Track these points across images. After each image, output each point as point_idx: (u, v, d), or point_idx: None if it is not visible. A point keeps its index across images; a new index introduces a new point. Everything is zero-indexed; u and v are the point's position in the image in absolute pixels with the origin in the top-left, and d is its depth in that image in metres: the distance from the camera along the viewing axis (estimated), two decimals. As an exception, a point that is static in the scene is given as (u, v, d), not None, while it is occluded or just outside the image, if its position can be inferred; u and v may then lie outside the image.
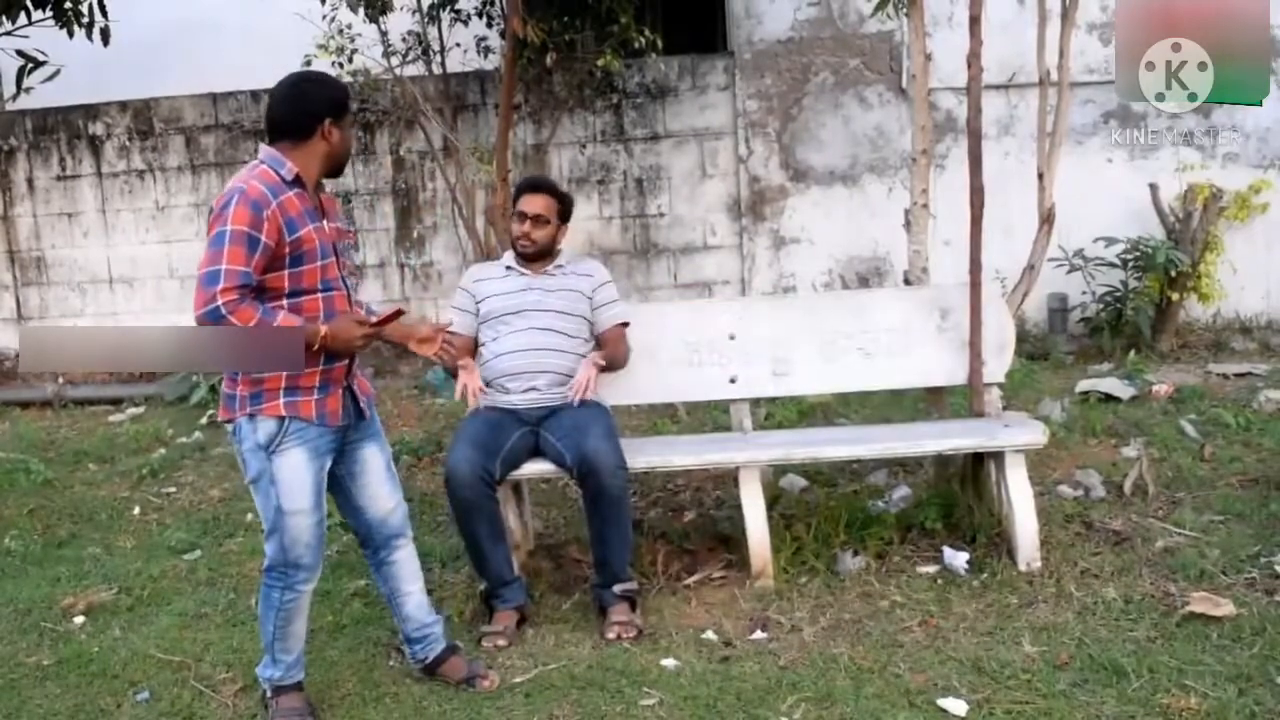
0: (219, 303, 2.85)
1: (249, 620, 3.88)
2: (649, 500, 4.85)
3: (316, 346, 2.94)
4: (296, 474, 2.97)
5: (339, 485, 3.20)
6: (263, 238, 2.84)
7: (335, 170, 3.10)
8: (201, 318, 2.88)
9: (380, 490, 3.23)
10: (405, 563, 3.31)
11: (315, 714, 3.17)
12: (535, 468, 3.81)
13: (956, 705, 3.00)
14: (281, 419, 2.95)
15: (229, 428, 3.06)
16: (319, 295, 3.01)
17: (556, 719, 3.10)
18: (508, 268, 4.01)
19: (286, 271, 2.95)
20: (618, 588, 3.65)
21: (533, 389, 3.81)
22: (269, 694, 3.18)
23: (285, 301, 2.97)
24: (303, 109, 2.98)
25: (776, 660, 3.34)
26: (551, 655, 3.47)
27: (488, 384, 3.84)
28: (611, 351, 3.99)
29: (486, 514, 3.65)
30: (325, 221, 3.04)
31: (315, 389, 2.99)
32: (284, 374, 2.96)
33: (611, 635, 3.53)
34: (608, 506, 3.63)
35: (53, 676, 3.55)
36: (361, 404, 3.15)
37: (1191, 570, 3.71)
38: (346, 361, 3.07)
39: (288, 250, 2.91)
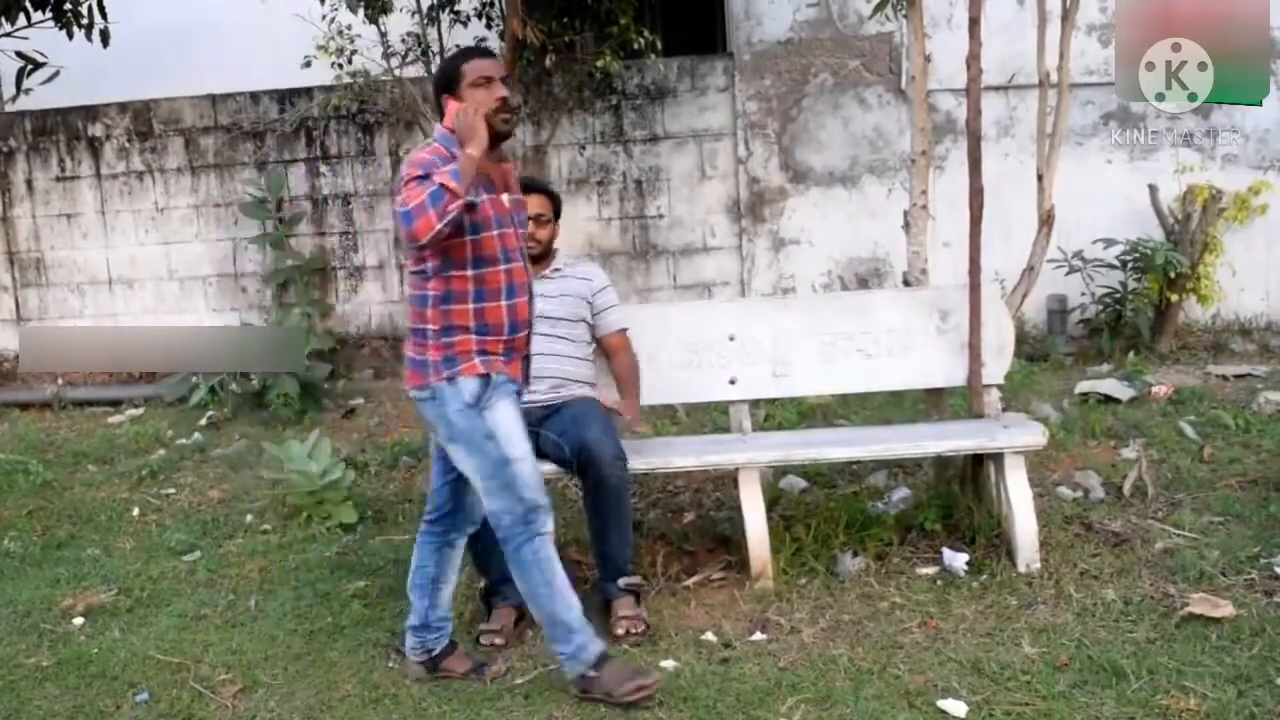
0: (408, 206, 2.92)
1: (248, 621, 3.88)
2: (649, 501, 4.85)
3: (474, 151, 2.97)
4: (511, 423, 3.09)
5: (449, 463, 3.23)
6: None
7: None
8: (412, 231, 2.92)
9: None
10: (461, 552, 3.37)
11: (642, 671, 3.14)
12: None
13: (956, 706, 3.00)
14: (484, 376, 3.05)
15: (421, 394, 3.12)
16: (500, 268, 3.09)
17: (556, 720, 3.11)
18: None
19: (468, 239, 3.03)
20: (622, 582, 3.65)
21: (534, 393, 3.79)
22: (589, 673, 3.11)
23: (470, 272, 3.06)
24: (434, 87, 3.22)
25: (776, 661, 3.34)
26: (551, 656, 3.46)
27: None
28: (620, 368, 4.01)
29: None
30: (506, 196, 3.14)
31: (501, 356, 3.10)
32: (472, 336, 3.07)
33: (620, 631, 3.52)
34: (607, 498, 3.63)
35: (52, 678, 3.55)
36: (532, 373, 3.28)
37: (1191, 571, 3.71)
38: (525, 332, 3.18)
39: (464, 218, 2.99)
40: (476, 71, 3.13)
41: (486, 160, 3.06)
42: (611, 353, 4.01)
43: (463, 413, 3.06)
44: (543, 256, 3.93)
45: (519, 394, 3.20)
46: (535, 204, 3.87)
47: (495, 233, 3.09)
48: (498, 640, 3.56)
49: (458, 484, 3.26)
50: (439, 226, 2.89)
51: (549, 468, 3.79)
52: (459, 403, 3.05)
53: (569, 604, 3.15)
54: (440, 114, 3.19)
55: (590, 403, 3.82)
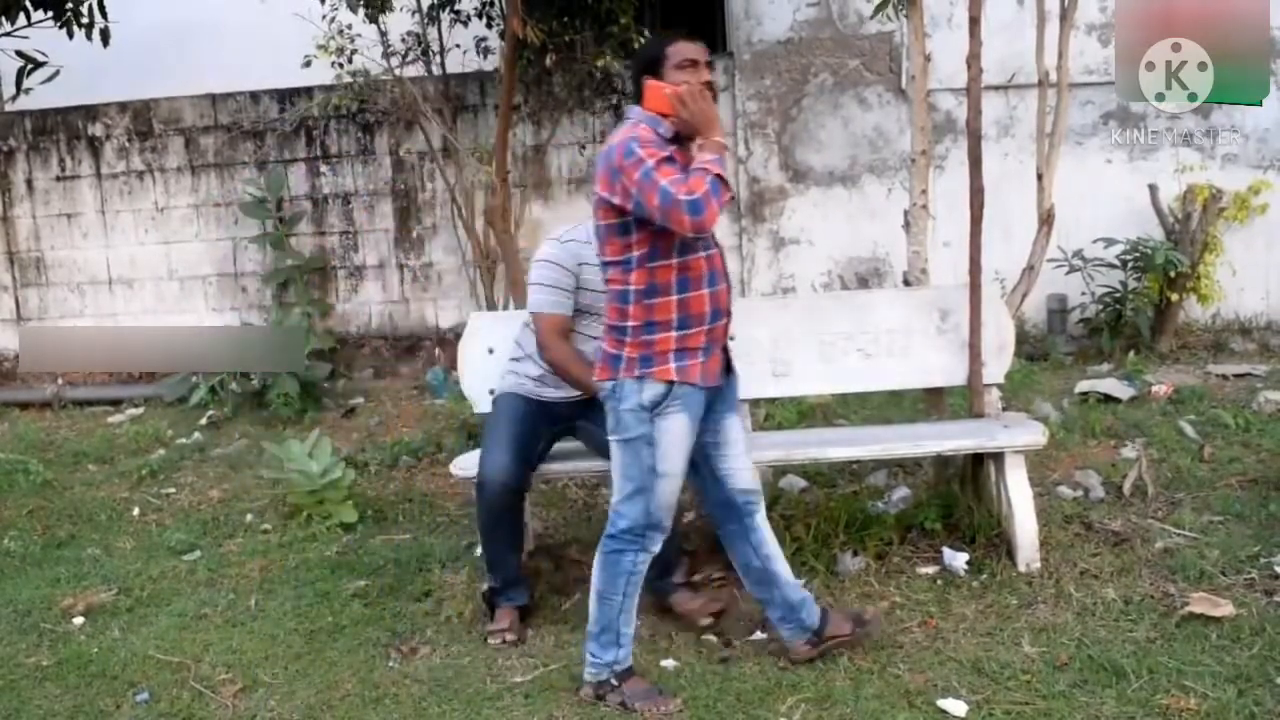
0: (696, 196, 2.85)
1: (248, 621, 3.88)
2: (648, 501, 4.84)
3: (720, 139, 2.94)
4: (676, 438, 3.04)
5: (702, 454, 3.20)
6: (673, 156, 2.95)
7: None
8: (701, 222, 2.87)
9: (742, 459, 3.25)
10: (765, 526, 3.30)
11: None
12: (565, 465, 3.86)
13: (956, 706, 3.01)
14: (670, 383, 3.01)
15: (606, 386, 3.10)
16: (702, 254, 3.07)
17: (556, 719, 3.11)
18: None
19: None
20: (678, 577, 3.68)
21: (562, 388, 3.72)
22: (611, 681, 3.15)
23: (675, 260, 3.01)
24: (633, 67, 3.18)
25: (776, 661, 3.34)
26: (551, 655, 3.47)
27: (540, 378, 3.75)
28: None
29: (511, 522, 3.65)
30: None
31: (701, 350, 3.06)
32: (673, 333, 3.02)
33: (705, 622, 3.55)
34: None
35: (52, 677, 3.55)
36: (732, 362, 3.22)
37: (1191, 571, 3.71)
38: (726, 320, 3.13)
39: None
40: (681, 54, 3.07)
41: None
42: None
43: (634, 412, 3.03)
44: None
45: (711, 395, 3.13)
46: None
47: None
48: (509, 637, 3.55)
49: (719, 478, 3.24)
50: (718, 218, 2.92)
51: (586, 464, 3.81)
52: (634, 401, 3.03)
53: (631, 619, 3.18)
54: (638, 95, 3.11)
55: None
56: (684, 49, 3.09)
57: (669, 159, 2.93)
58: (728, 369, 3.22)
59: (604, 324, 3.14)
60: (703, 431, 3.15)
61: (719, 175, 2.89)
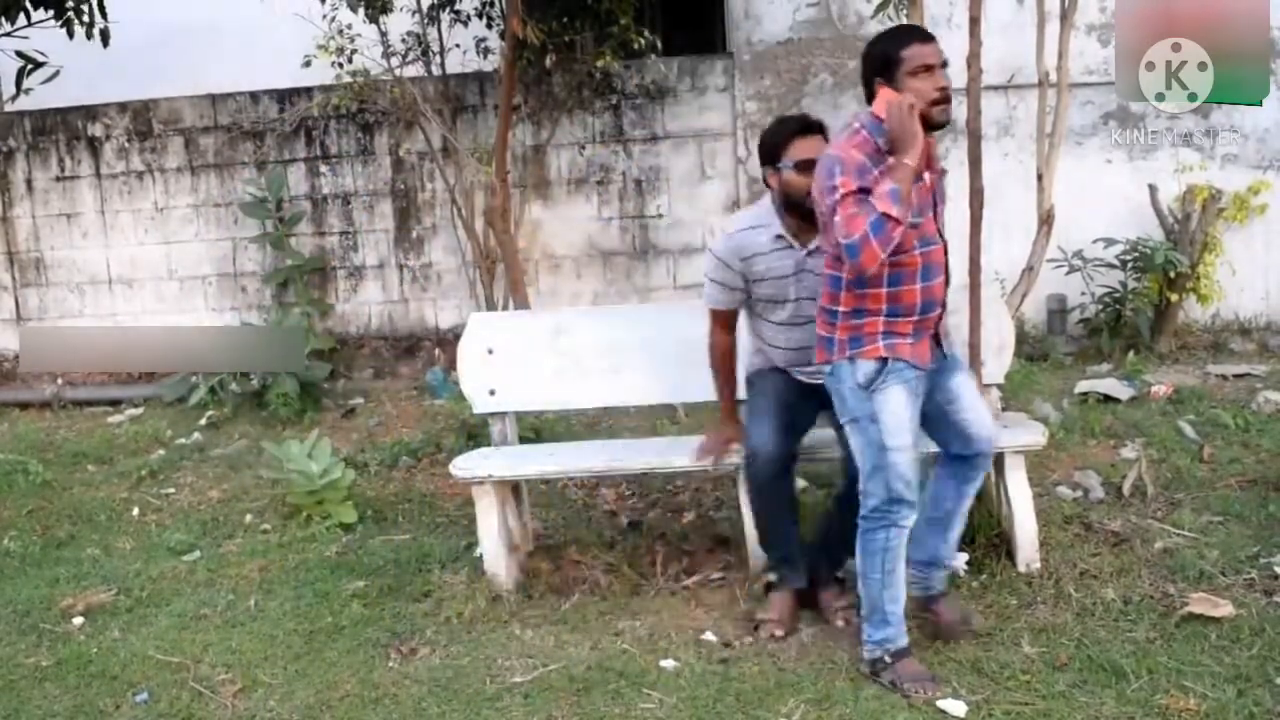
0: (854, 239, 2.92)
1: (248, 621, 3.88)
2: (648, 501, 4.85)
3: (910, 161, 2.93)
4: (898, 410, 3.08)
5: (938, 413, 3.27)
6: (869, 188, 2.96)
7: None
8: (858, 264, 2.95)
9: (979, 409, 3.30)
10: (974, 485, 3.37)
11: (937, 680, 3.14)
12: (565, 465, 3.95)
13: (955, 706, 3.01)
14: (882, 359, 3.08)
15: (824, 369, 3.22)
16: (917, 252, 3.08)
17: (556, 720, 3.11)
18: (777, 236, 3.57)
19: None
20: (840, 572, 3.68)
21: (813, 369, 3.60)
22: (885, 659, 3.16)
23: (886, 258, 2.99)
24: (864, 65, 3.12)
25: (776, 661, 3.34)
26: (551, 656, 3.46)
27: (772, 368, 3.75)
28: None
29: (783, 493, 3.60)
30: (927, 174, 3.07)
31: (910, 335, 3.11)
32: (881, 319, 3.08)
33: (841, 623, 3.54)
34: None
35: (51, 677, 3.55)
36: (944, 345, 3.28)
37: (1190, 571, 3.71)
38: (939, 311, 3.17)
39: None
40: (918, 59, 2.99)
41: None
42: None
43: (854, 391, 3.11)
44: (808, 213, 3.39)
45: (924, 375, 3.17)
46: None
47: (915, 221, 3.04)
48: (777, 632, 3.50)
49: (958, 427, 3.28)
50: (883, 256, 2.93)
51: (585, 465, 3.86)
52: (852, 381, 3.10)
53: (895, 596, 3.19)
54: (869, 96, 3.08)
55: None
56: (920, 53, 3.01)
57: (861, 193, 2.93)
58: (942, 351, 3.30)
59: (818, 305, 3.23)
60: (932, 394, 3.23)
61: (887, 215, 2.89)
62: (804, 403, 3.66)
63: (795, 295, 3.58)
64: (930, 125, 3.04)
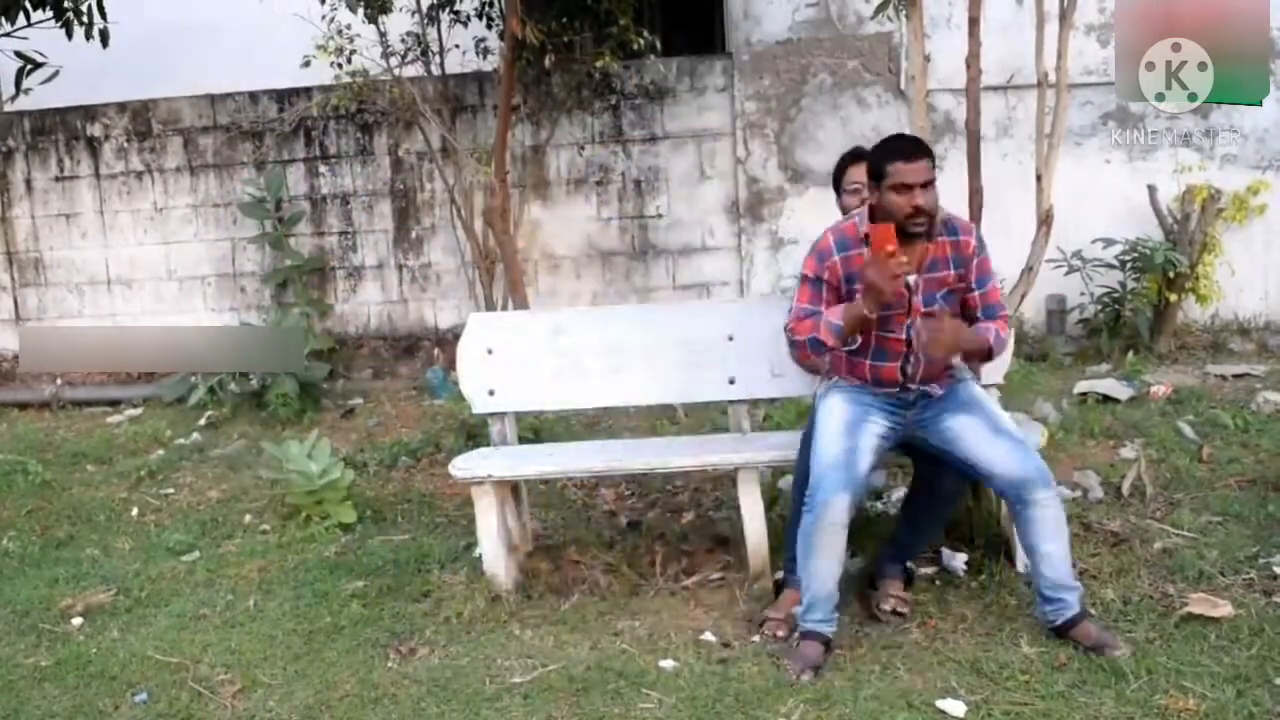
0: (795, 337, 3.43)
1: (247, 621, 3.88)
2: (647, 502, 4.85)
3: (867, 312, 3.25)
4: (831, 411, 3.44)
5: (944, 455, 3.45)
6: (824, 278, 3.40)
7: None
8: (792, 356, 3.55)
9: (992, 451, 3.36)
10: (1040, 520, 3.34)
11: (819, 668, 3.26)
12: (563, 465, 3.96)
13: (955, 706, 3.00)
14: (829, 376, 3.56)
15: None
16: (873, 333, 3.39)
17: (555, 720, 3.10)
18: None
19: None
20: (909, 563, 3.70)
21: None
22: (797, 635, 3.37)
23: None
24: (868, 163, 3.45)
25: (775, 661, 3.34)
26: (550, 656, 3.46)
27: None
28: None
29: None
30: (913, 278, 3.31)
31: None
32: (842, 364, 3.49)
33: (887, 607, 3.54)
34: (946, 500, 3.66)
35: (51, 678, 3.55)
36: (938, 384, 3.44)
37: (1190, 571, 3.71)
38: (891, 387, 3.43)
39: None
40: (897, 177, 3.26)
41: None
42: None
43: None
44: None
45: (878, 396, 3.44)
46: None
47: (882, 315, 3.32)
48: (780, 631, 3.50)
49: (982, 471, 3.40)
50: (811, 363, 3.50)
51: (585, 465, 3.85)
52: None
53: (810, 579, 3.36)
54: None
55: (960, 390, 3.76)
56: (899, 171, 3.26)
57: (815, 280, 3.39)
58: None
59: None
60: (927, 438, 3.45)
61: (823, 341, 3.33)
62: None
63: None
64: (905, 234, 3.25)
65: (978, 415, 3.40)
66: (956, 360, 3.47)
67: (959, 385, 3.48)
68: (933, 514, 3.70)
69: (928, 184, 3.25)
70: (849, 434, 3.37)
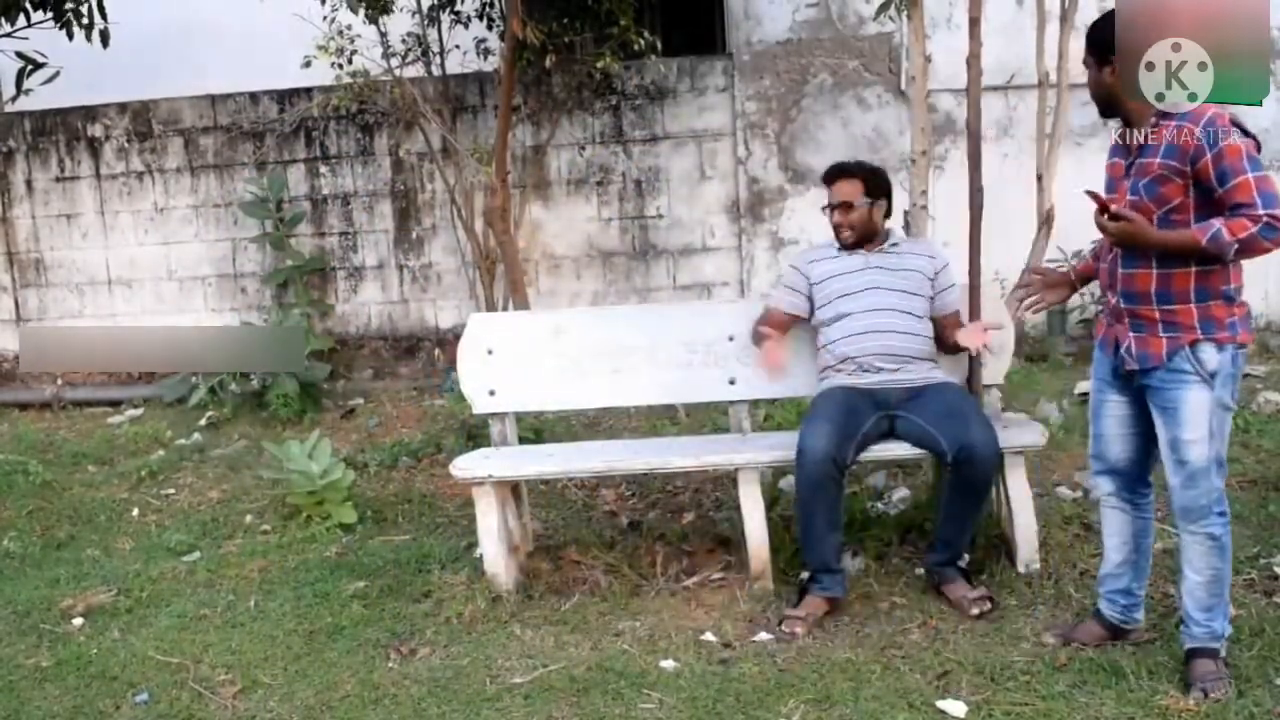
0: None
1: (248, 621, 3.88)
2: (648, 502, 4.85)
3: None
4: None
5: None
6: None
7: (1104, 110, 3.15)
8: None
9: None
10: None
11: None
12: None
13: (956, 706, 3.00)
14: None
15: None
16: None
17: (556, 720, 3.10)
18: (840, 248, 4.01)
19: None
20: (962, 563, 3.70)
21: (883, 370, 3.79)
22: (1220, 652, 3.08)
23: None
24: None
25: (775, 662, 3.34)
26: (551, 656, 3.46)
27: (835, 366, 3.86)
28: (953, 347, 3.97)
29: (829, 495, 3.62)
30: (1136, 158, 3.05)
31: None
32: None
33: (976, 612, 3.54)
34: (976, 493, 3.66)
35: (51, 678, 3.55)
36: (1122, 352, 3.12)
37: (1191, 571, 3.70)
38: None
39: None
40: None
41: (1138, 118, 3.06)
42: (946, 331, 3.95)
43: None
44: (864, 240, 3.97)
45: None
46: (839, 191, 3.95)
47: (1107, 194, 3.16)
48: (798, 629, 3.51)
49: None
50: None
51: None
52: None
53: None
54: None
55: (959, 392, 3.85)
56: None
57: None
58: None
59: None
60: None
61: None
62: (870, 412, 3.74)
63: (865, 286, 3.92)
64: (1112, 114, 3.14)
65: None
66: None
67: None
68: (968, 504, 3.68)
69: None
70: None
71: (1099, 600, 3.34)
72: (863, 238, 3.95)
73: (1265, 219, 2.88)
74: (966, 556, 3.74)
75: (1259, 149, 2.91)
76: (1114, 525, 3.27)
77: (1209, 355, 3.02)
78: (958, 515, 3.68)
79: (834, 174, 4.00)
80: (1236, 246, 2.93)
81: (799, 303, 4.02)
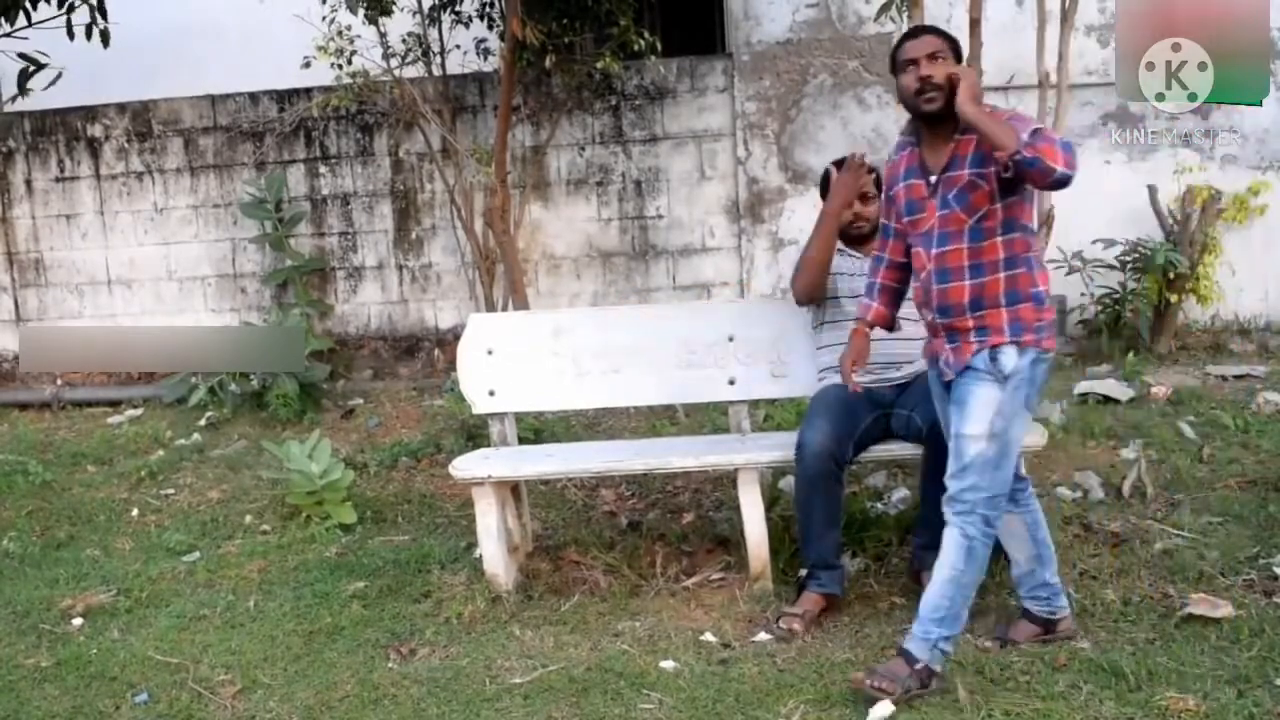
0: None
1: (247, 622, 3.88)
2: (648, 502, 4.85)
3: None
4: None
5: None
6: None
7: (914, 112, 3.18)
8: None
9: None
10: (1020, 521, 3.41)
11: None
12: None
13: (955, 707, 3.00)
14: None
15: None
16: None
17: (555, 721, 3.10)
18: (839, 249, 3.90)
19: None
20: None
21: (875, 370, 3.74)
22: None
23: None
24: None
25: (775, 662, 3.34)
26: (550, 656, 3.46)
27: (833, 366, 3.81)
28: None
29: (828, 492, 3.63)
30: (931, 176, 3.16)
31: None
32: None
33: None
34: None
35: (51, 678, 3.55)
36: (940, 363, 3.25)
37: (1190, 572, 3.71)
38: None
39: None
40: (904, 54, 3.15)
41: (935, 139, 3.14)
42: None
43: None
44: (869, 237, 3.86)
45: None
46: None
47: (907, 219, 3.26)
48: (795, 626, 3.50)
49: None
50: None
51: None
52: None
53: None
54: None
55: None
56: (907, 49, 3.19)
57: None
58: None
59: None
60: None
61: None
62: (868, 411, 3.73)
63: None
64: (918, 115, 3.15)
65: (928, 387, 3.44)
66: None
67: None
68: (940, 484, 3.64)
69: (935, 56, 3.10)
70: (837, 406, 3.62)
71: (1023, 600, 3.39)
72: (871, 232, 3.82)
73: (1060, 141, 2.91)
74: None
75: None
76: (1008, 528, 3.31)
77: (1007, 357, 3.10)
78: (934, 497, 3.65)
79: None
80: (1030, 146, 2.87)
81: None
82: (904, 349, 3.78)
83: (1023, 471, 3.36)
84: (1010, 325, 3.11)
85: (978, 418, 3.08)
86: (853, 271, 3.89)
